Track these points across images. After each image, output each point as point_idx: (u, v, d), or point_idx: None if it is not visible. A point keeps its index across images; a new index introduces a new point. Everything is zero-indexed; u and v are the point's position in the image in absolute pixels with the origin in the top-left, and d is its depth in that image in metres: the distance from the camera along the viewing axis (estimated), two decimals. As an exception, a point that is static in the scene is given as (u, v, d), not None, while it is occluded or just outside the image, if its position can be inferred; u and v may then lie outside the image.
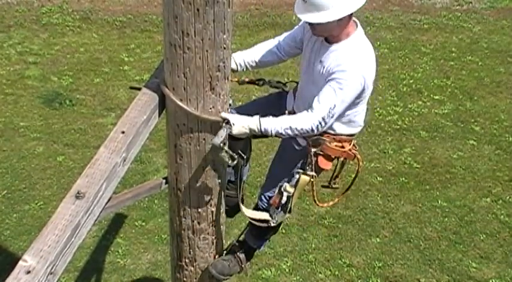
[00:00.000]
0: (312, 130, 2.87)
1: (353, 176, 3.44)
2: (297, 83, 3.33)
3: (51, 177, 6.27)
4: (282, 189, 3.11)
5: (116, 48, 8.52)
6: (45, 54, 8.26)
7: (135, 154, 2.66)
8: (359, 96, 2.95)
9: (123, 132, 2.56)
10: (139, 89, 2.80)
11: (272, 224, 3.23)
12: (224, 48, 2.52)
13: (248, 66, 3.31)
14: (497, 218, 6.00)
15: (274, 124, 2.83)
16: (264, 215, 3.21)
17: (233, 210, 3.37)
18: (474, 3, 10.29)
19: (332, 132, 3.10)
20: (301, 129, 2.86)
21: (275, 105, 3.34)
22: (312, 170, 3.13)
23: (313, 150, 3.09)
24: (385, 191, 6.28)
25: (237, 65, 3.25)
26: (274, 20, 9.22)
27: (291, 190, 3.11)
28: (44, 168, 6.39)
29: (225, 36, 2.50)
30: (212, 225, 3.07)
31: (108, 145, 2.51)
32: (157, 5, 9.43)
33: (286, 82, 3.49)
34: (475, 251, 5.63)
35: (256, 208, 3.39)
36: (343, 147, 3.17)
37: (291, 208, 3.20)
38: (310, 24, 2.91)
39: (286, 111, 3.24)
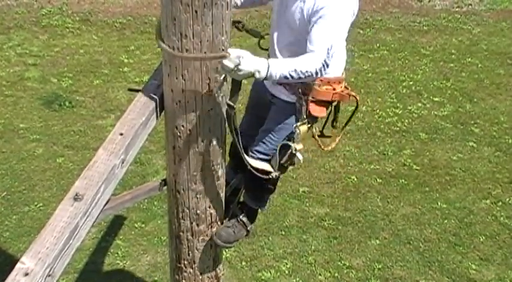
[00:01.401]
0: (316, 73, 2.77)
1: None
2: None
3: (51, 178, 6.27)
4: (293, 151, 3.02)
5: (115, 49, 8.53)
6: (44, 56, 8.27)
7: (134, 156, 2.66)
8: (349, 28, 2.91)
9: (121, 134, 2.57)
10: (138, 90, 2.80)
11: (274, 176, 3.13)
12: (223, 50, 2.52)
13: (247, 3, 3.25)
14: (497, 220, 6.00)
15: (280, 67, 2.69)
16: (266, 166, 3.12)
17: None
18: (474, 5, 10.30)
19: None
20: (306, 71, 2.74)
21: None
22: (306, 117, 3.02)
23: (303, 97, 3.00)
24: (384, 193, 6.28)
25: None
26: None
27: (300, 146, 3.03)
28: (43, 169, 6.39)
29: (223, 38, 2.50)
30: (211, 227, 3.07)
31: (106, 147, 2.52)
32: (156, 7, 9.43)
33: (266, 34, 3.35)
34: (475, 253, 5.63)
35: (248, 169, 3.17)
36: (334, 89, 3.05)
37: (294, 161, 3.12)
38: None
39: None
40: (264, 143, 3.16)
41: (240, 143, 2.89)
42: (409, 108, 7.63)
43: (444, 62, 8.71)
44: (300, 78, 2.74)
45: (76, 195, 2.31)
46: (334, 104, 3.18)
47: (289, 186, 6.22)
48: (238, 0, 3.20)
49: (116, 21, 9.17)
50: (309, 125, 3.03)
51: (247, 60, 2.54)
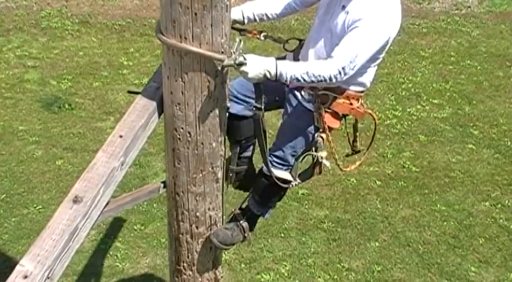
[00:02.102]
0: (330, 79, 2.70)
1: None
2: (300, 40, 3.20)
3: (50, 181, 6.27)
4: (319, 159, 3.06)
5: (115, 52, 8.53)
6: (44, 58, 8.27)
7: (133, 158, 2.66)
8: (381, 50, 2.86)
9: (121, 136, 2.57)
10: (137, 93, 2.81)
11: (294, 185, 3.18)
12: (222, 52, 2.52)
13: (257, 18, 3.17)
14: (496, 222, 6.00)
15: (291, 68, 2.66)
16: (286, 175, 3.14)
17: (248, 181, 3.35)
18: (473, 8, 10.31)
19: (339, 86, 2.98)
20: (319, 75, 2.68)
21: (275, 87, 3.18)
22: (323, 127, 3.03)
23: (321, 106, 2.98)
24: (384, 195, 6.28)
25: (243, 18, 3.13)
26: (272, 24, 9.21)
27: (325, 153, 3.07)
28: (42, 172, 6.38)
29: (222, 41, 2.50)
30: (210, 230, 3.07)
31: (106, 149, 2.52)
32: (156, 9, 9.44)
33: (288, 39, 3.32)
34: (474, 255, 5.62)
35: (263, 173, 3.22)
36: (351, 104, 3.05)
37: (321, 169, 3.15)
38: None
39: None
40: (281, 149, 3.16)
41: (267, 149, 2.94)
42: (409, 110, 7.63)
43: (443, 64, 8.71)
44: (312, 82, 2.72)
45: (76, 197, 2.31)
46: (353, 122, 3.23)
47: (289, 189, 6.21)
48: (270, 12, 3.17)
49: (116, 23, 9.18)
50: (326, 134, 3.05)
51: (252, 61, 2.56)
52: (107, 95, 7.60)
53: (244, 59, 2.54)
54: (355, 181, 6.43)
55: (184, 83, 2.57)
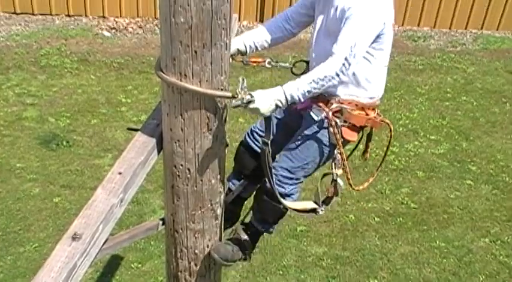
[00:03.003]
0: (337, 74, 2.72)
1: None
2: (307, 62, 3.22)
3: (47, 218, 6.23)
4: (334, 177, 3.04)
5: (113, 89, 8.58)
6: (43, 96, 8.31)
7: (132, 195, 2.65)
8: (378, 38, 2.87)
9: (120, 173, 2.56)
10: (136, 130, 2.82)
11: (321, 212, 3.13)
12: (222, 89, 2.55)
13: (258, 46, 3.21)
14: (496, 259, 5.96)
15: (297, 85, 2.69)
16: (309, 205, 3.11)
17: (228, 222, 3.28)
18: (468, 45, 10.44)
19: (353, 98, 2.99)
20: (325, 76, 2.70)
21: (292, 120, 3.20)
22: (339, 142, 3.00)
23: (336, 120, 2.97)
24: (382, 232, 6.25)
25: (246, 47, 3.17)
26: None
27: (340, 171, 3.05)
28: (39, 209, 6.35)
29: (222, 78, 2.53)
30: (209, 268, 3.04)
31: (105, 186, 2.51)
32: (154, 47, 9.53)
33: (295, 62, 3.37)
34: (475, 292, 5.58)
35: (265, 189, 3.10)
36: (367, 114, 3.04)
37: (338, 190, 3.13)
38: None
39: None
40: (289, 159, 3.09)
41: (274, 183, 2.92)
42: (406, 146, 7.65)
43: (440, 101, 8.78)
44: (323, 86, 2.73)
45: (74, 234, 2.30)
46: (367, 131, 3.19)
47: (287, 225, 6.19)
48: (270, 39, 3.22)
49: (114, 61, 9.25)
50: (340, 151, 3.03)
51: (260, 96, 2.60)
52: (105, 132, 7.62)
53: (252, 96, 2.57)
54: (353, 217, 6.40)
55: (183, 119, 2.58)
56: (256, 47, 3.21)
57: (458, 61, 9.91)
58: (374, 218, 6.42)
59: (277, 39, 3.26)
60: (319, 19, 3.03)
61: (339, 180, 3.08)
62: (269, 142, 2.74)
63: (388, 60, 3.06)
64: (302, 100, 2.74)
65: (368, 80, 3.00)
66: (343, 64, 2.72)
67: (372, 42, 2.88)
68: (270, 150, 2.78)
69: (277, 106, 2.67)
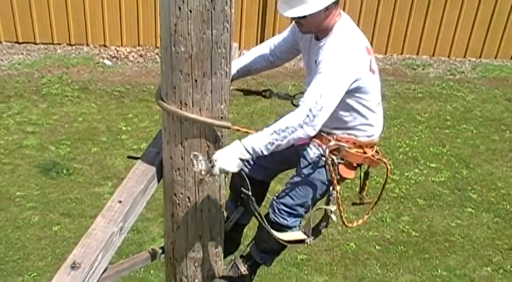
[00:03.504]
0: (300, 126, 2.64)
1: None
2: None
3: (46, 247, 6.20)
4: (328, 213, 3.05)
5: (113, 117, 8.61)
6: (43, 124, 8.33)
7: (132, 223, 2.64)
8: (356, 91, 2.85)
9: (120, 202, 2.56)
10: (136, 158, 2.82)
11: (308, 242, 3.11)
12: (221, 118, 2.56)
13: (241, 73, 3.25)
14: (499, 288, 5.91)
15: (258, 137, 2.63)
16: (298, 235, 3.09)
17: (229, 249, 3.29)
18: (466, 73, 10.50)
19: (351, 137, 3.00)
20: (287, 128, 2.62)
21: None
22: (335, 179, 2.98)
23: (333, 158, 2.95)
24: (383, 260, 6.21)
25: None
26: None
27: (334, 208, 3.04)
28: (39, 238, 6.31)
29: (222, 106, 2.54)
30: (209, 296, 3.02)
31: (105, 214, 2.51)
32: (155, 75, 9.58)
33: (295, 94, 3.36)
34: (478, 321, 5.51)
35: (269, 220, 3.15)
36: (365, 153, 3.04)
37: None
38: (297, 22, 2.87)
39: None
40: (290, 197, 3.12)
41: (267, 224, 2.94)
42: (406, 174, 7.64)
43: (439, 129, 8.79)
44: (286, 137, 2.64)
45: (73, 263, 2.28)
46: (364, 169, 3.19)
47: (288, 254, 6.15)
48: (253, 68, 3.27)
49: (115, 89, 9.30)
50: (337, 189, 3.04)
51: (220, 157, 2.57)
52: (105, 160, 7.62)
53: (211, 162, 2.55)
54: (354, 246, 6.36)
55: (184, 148, 2.59)
56: (239, 74, 3.25)
57: (457, 89, 9.96)
58: (375, 246, 6.39)
59: (259, 69, 3.31)
60: (307, 60, 3.07)
61: (332, 216, 3.08)
62: (249, 193, 2.74)
63: (378, 98, 3.06)
64: (265, 153, 2.67)
65: (364, 122, 3.02)
66: (307, 115, 2.66)
67: (355, 93, 2.88)
68: (253, 200, 2.80)
69: (241, 160, 2.62)
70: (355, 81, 2.82)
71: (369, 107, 2.99)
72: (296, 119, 2.66)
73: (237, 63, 3.23)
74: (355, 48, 2.84)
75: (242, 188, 2.76)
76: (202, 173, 2.52)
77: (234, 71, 3.16)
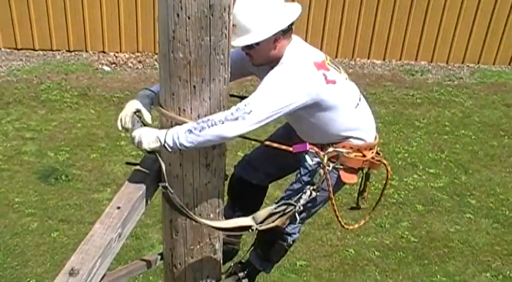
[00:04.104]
0: (221, 121, 2.50)
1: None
2: None
3: (45, 253, 6.19)
4: (295, 211, 2.93)
5: (112, 123, 8.60)
6: (42, 130, 8.33)
7: (131, 230, 2.64)
8: (318, 105, 2.79)
9: (118, 208, 2.56)
10: (135, 164, 2.82)
11: (253, 229, 2.89)
12: (220, 124, 2.55)
13: None
14: (498, 293, 5.90)
15: (181, 126, 2.52)
16: (243, 221, 2.86)
17: (228, 256, 3.27)
18: (465, 79, 10.52)
19: (347, 141, 2.97)
20: (208, 120, 2.49)
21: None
22: (328, 185, 2.92)
23: (332, 165, 2.92)
24: (383, 266, 6.20)
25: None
26: (269, 95, 9.38)
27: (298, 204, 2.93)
28: (37, 244, 6.30)
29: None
30: (208, 303, 3.01)
31: (103, 221, 2.51)
32: (154, 82, 9.57)
33: None
34: (477, 327, 5.51)
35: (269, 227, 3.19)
36: (364, 156, 3.01)
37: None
38: (247, 54, 2.82)
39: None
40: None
41: (192, 215, 2.82)
42: (405, 180, 7.64)
43: (438, 134, 8.80)
44: (203, 129, 2.49)
45: (72, 269, 2.28)
46: (365, 170, 3.16)
47: (287, 260, 6.14)
48: None
49: (114, 95, 9.31)
50: (329, 197, 2.99)
51: (146, 128, 2.61)
52: (104, 167, 7.61)
53: (141, 125, 2.64)
54: (353, 252, 6.36)
55: (182, 154, 2.59)
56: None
57: (455, 95, 9.97)
58: (374, 252, 6.38)
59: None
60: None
61: (297, 215, 3.00)
62: (166, 184, 2.62)
63: (354, 101, 3.00)
64: (186, 144, 2.52)
65: (350, 128, 2.98)
66: (231, 113, 2.54)
67: (321, 108, 2.83)
68: (172, 192, 2.64)
69: (159, 144, 2.55)
70: (310, 99, 2.75)
71: (345, 114, 2.94)
72: (220, 114, 2.54)
73: None
74: (300, 69, 2.76)
75: (160, 183, 2.65)
76: (119, 128, 2.68)
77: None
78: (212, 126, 2.50)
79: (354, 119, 3.00)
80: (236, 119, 2.54)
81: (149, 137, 2.56)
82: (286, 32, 2.76)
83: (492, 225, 6.88)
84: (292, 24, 2.76)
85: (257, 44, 2.71)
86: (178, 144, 2.51)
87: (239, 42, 2.69)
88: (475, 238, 6.66)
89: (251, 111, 2.57)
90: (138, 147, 2.60)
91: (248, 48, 2.76)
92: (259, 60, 2.84)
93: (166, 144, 2.52)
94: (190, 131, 2.49)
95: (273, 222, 2.86)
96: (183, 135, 2.49)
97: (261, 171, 3.29)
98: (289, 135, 3.12)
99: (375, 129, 3.13)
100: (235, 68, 2.78)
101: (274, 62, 2.80)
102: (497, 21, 10.56)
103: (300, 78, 2.72)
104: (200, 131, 2.49)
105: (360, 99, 3.05)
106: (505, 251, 6.47)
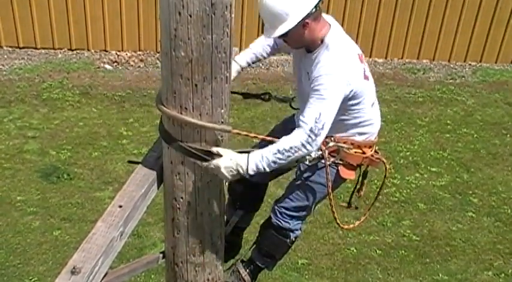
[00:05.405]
0: (303, 145, 2.68)
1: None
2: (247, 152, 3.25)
3: (47, 252, 6.19)
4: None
5: (114, 122, 8.61)
6: (44, 129, 8.33)
7: (133, 228, 2.64)
8: (350, 98, 2.89)
9: (120, 206, 2.56)
10: (137, 163, 2.82)
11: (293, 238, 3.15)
12: (222, 122, 2.56)
13: (251, 63, 3.35)
14: (500, 292, 5.90)
15: (263, 154, 2.64)
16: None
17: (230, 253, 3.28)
18: (467, 77, 10.50)
19: (349, 137, 3.02)
20: (291, 148, 2.66)
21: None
22: (328, 183, 2.98)
23: (331, 159, 2.96)
24: (384, 265, 6.20)
25: (240, 67, 3.30)
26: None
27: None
28: (39, 243, 6.31)
29: (222, 111, 2.54)
30: (210, 301, 3.01)
31: (105, 219, 2.51)
32: (155, 80, 9.59)
33: (294, 97, 3.41)
34: (479, 326, 5.50)
35: (271, 225, 3.22)
36: (364, 153, 3.05)
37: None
38: (284, 40, 2.95)
39: None
40: (291, 200, 3.16)
41: (280, 219, 3.04)
42: (407, 178, 7.64)
43: (440, 133, 8.79)
44: (290, 157, 2.68)
45: (74, 268, 2.28)
46: (364, 168, 3.19)
47: (288, 258, 6.14)
48: (254, 58, 3.34)
49: (116, 94, 9.31)
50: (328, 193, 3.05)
51: (228, 155, 2.57)
52: (106, 165, 7.62)
53: (219, 153, 2.56)
54: (355, 250, 6.36)
55: (184, 153, 2.59)
56: (249, 64, 3.35)
57: (457, 93, 9.96)
58: (376, 251, 6.38)
59: (269, 55, 3.40)
60: (297, 70, 3.10)
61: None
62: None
63: (372, 99, 3.08)
64: (268, 170, 2.68)
65: (359, 123, 3.04)
66: (309, 136, 2.69)
67: (349, 100, 2.91)
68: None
69: (238, 173, 2.62)
70: (348, 91, 2.85)
71: (362, 109, 3.01)
72: (299, 140, 2.68)
73: (246, 56, 3.32)
74: (348, 60, 2.88)
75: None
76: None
77: (243, 64, 3.30)
78: (296, 152, 2.69)
79: (367, 116, 3.06)
80: (315, 139, 2.70)
81: (229, 165, 2.58)
82: (314, 15, 2.85)
83: (494, 224, 6.87)
84: (317, 6, 2.84)
85: (287, 32, 2.83)
86: (261, 169, 2.67)
87: (273, 33, 2.84)
88: (477, 237, 6.66)
89: (323, 125, 2.71)
90: (211, 171, 2.62)
91: (281, 36, 2.89)
92: (294, 44, 2.98)
93: (248, 173, 2.65)
94: (275, 163, 2.66)
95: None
96: (266, 164, 2.65)
97: None
98: (286, 132, 3.13)
99: (379, 129, 3.16)
100: (280, 46, 3.19)
101: (309, 44, 2.93)
102: (499, 19, 10.54)
103: (348, 73, 2.84)
104: (286, 160, 2.68)
105: (375, 98, 3.11)
106: (507, 250, 6.46)
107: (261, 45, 3.35)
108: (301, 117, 2.75)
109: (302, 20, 2.79)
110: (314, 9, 2.81)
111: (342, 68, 2.82)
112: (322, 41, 2.90)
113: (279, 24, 2.80)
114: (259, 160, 2.63)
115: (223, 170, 2.55)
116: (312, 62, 2.89)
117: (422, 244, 6.52)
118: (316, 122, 2.70)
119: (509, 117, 9.34)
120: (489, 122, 9.15)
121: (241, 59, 3.31)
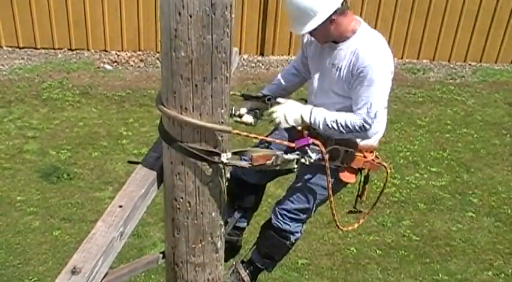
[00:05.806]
0: (356, 130, 2.87)
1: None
2: (305, 100, 3.28)
3: (47, 252, 6.19)
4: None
5: (114, 122, 8.61)
6: (44, 129, 8.33)
7: (133, 228, 2.64)
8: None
9: (120, 206, 2.56)
10: (137, 163, 2.82)
11: (293, 240, 3.19)
12: (222, 123, 2.55)
13: (280, 95, 3.34)
14: (500, 292, 5.90)
15: (326, 114, 2.86)
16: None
17: (230, 253, 3.29)
18: (467, 77, 10.51)
19: (350, 140, 3.05)
20: (346, 126, 2.86)
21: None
22: (328, 185, 3.00)
23: (333, 163, 2.98)
24: (384, 265, 6.20)
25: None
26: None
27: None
28: (39, 243, 6.31)
29: (222, 111, 2.54)
30: (210, 301, 3.01)
31: (105, 219, 2.50)
32: (155, 80, 9.60)
33: (299, 99, 3.39)
34: (479, 326, 5.50)
35: (272, 226, 3.24)
36: (365, 157, 3.08)
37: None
38: (312, 36, 3.01)
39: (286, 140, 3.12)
40: (291, 202, 3.17)
41: (281, 221, 3.08)
42: (407, 178, 7.64)
43: (440, 133, 8.79)
44: (342, 132, 2.88)
45: (74, 268, 2.28)
46: (364, 173, 3.21)
47: (288, 258, 6.14)
48: (281, 92, 3.36)
49: (115, 94, 9.31)
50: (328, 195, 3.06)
51: (291, 103, 2.84)
52: (105, 165, 7.62)
53: (276, 103, 2.87)
54: (355, 250, 6.36)
55: (184, 153, 2.58)
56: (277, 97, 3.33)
57: (457, 93, 9.96)
58: (376, 251, 6.38)
59: (294, 86, 3.43)
60: (316, 77, 3.11)
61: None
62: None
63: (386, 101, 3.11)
64: (321, 129, 2.88)
65: (375, 116, 3.02)
66: (363, 125, 2.86)
67: None
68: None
69: (300, 118, 2.85)
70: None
71: (382, 104, 3.02)
72: (356, 124, 2.87)
73: (271, 90, 3.36)
74: (389, 50, 2.97)
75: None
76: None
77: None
78: (350, 132, 2.89)
79: (383, 119, 3.07)
80: (369, 128, 2.88)
81: (292, 114, 2.86)
82: (341, 10, 2.93)
83: (494, 224, 6.87)
84: (343, 2, 2.94)
85: (315, 28, 2.90)
86: (316, 125, 2.89)
87: (302, 30, 2.92)
88: (477, 237, 6.66)
89: (376, 112, 2.87)
90: (277, 123, 2.85)
91: (309, 32, 2.97)
92: (322, 39, 3.04)
93: (303, 121, 2.89)
94: (329, 128, 2.88)
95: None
96: (322, 124, 2.88)
97: (258, 171, 3.30)
98: (287, 132, 3.14)
99: (383, 133, 3.18)
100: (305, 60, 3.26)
101: (337, 38, 3.00)
102: (499, 19, 10.55)
103: (390, 60, 2.95)
104: (339, 131, 2.90)
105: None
106: (507, 250, 6.46)
107: (287, 77, 3.41)
108: (355, 106, 2.89)
109: (330, 16, 2.87)
110: (340, 5, 2.90)
111: (387, 57, 2.91)
112: (354, 32, 2.97)
113: (307, 21, 2.86)
114: (320, 115, 2.85)
115: (287, 113, 2.80)
116: (340, 50, 2.95)
117: (422, 244, 6.52)
118: (368, 112, 2.84)
119: (509, 117, 9.34)
120: (489, 122, 9.15)
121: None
